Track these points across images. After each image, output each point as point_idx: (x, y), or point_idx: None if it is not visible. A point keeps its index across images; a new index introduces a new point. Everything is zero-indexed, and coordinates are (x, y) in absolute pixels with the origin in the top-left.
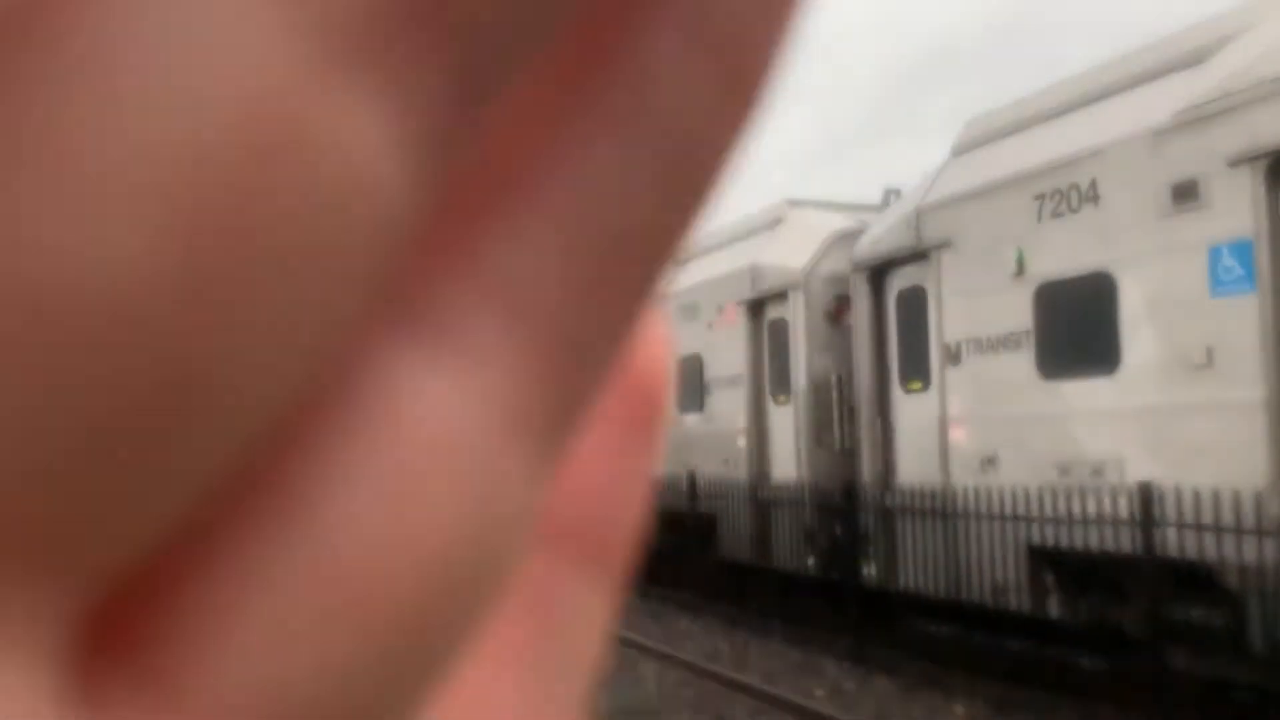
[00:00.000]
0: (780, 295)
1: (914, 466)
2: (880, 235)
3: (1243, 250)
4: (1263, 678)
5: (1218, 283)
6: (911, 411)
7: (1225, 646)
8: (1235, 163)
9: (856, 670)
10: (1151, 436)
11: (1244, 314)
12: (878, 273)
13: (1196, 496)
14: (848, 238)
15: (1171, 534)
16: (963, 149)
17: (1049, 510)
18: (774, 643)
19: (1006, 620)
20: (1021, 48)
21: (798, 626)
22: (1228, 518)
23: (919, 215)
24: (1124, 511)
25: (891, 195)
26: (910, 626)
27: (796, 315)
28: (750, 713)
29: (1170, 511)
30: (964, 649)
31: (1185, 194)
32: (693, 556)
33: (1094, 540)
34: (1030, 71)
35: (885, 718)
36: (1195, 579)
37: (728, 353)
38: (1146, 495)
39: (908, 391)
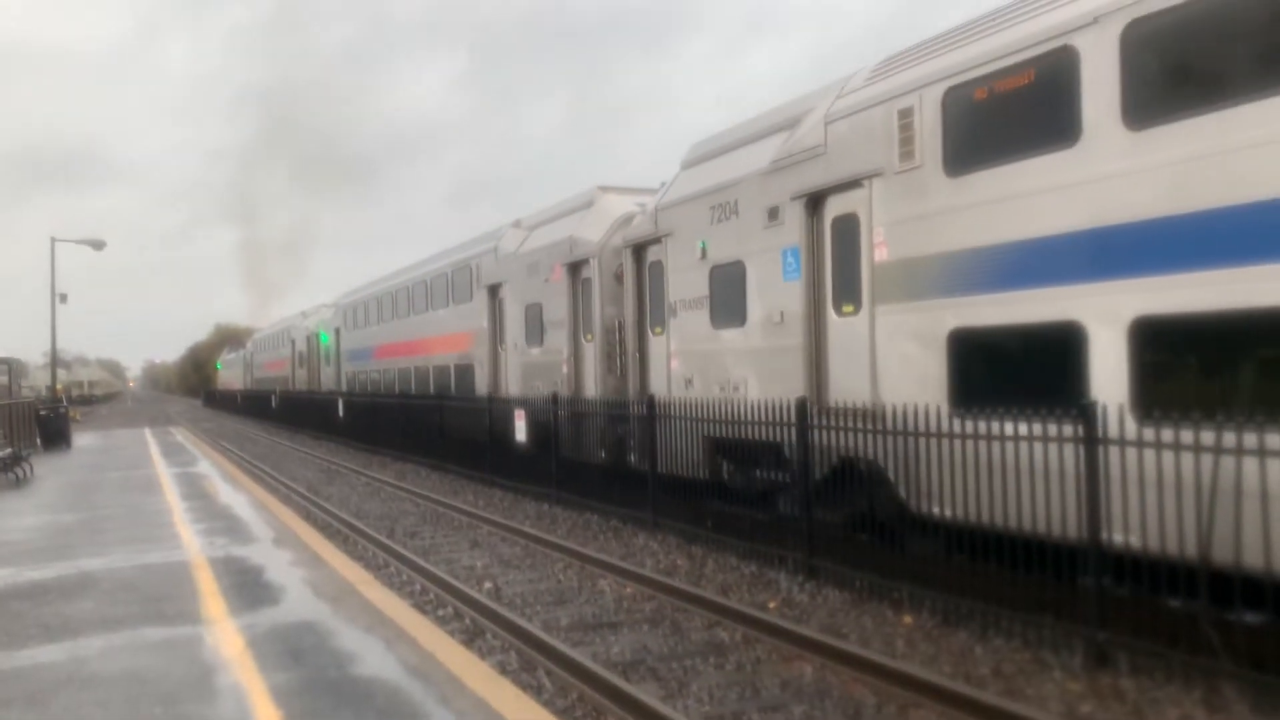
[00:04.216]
0: (586, 261)
1: (659, 386)
2: (639, 222)
3: (795, 253)
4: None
5: (786, 272)
6: (656, 348)
7: (791, 491)
8: (794, 198)
9: (809, 584)
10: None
11: (796, 293)
12: (639, 249)
13: (779, 402)
14: (629, 219)
15: (768, 429)
16: (686, 165)
17: (718, 413)
18: (730, 558)
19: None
20: None
21: (752, 542)
22: (789, 416)
23: (657, 211)
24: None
25: (663, 185)
26: (858, 541)
27: (594, 276)
28: (706, 625)
29: (766, 414)
30: (913, 561)
31: (774, 215)
32: (541, 456)
33: (741, 432)
34: None
35: (835, 629)
36: (777, 453)
37: (557, 302)
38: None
39: (654, 335)
